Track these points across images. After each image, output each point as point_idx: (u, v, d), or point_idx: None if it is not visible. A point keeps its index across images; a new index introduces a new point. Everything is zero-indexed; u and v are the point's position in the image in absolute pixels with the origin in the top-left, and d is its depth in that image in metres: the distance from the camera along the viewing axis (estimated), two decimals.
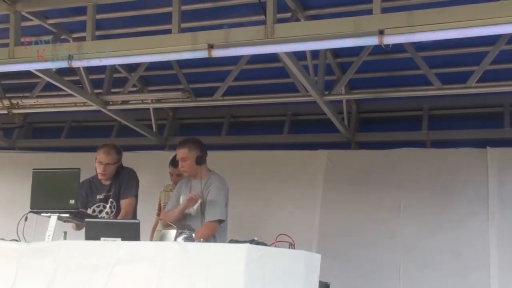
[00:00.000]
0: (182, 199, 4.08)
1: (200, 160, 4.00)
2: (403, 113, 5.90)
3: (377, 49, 4.36)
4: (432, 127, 5.69)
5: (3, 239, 3.58)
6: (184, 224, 3.97)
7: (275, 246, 3.30)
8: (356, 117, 5.99)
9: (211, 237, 3.83)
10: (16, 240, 3.53)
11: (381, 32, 3.47)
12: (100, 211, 4.35)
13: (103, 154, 4.27)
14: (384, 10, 3.58)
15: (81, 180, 3.88)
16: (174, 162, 4.77)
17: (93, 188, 4.38)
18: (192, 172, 4.05)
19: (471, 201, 5.14)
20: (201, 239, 3.34)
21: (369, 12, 3.60)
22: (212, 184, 3.98)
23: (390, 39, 3.51)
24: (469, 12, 3.34)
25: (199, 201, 3.94)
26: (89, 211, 4.30)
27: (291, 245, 3.35)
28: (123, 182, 4.33)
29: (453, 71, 5.08)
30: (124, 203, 4.28)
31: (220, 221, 3.91)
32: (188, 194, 3.98)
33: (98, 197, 4.35)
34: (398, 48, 4.53)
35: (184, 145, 4.05)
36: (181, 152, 4.04)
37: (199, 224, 3.93)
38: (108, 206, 4.32)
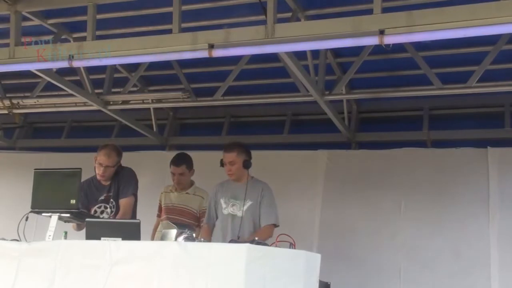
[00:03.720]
0: (223, 202, 4.14)
1: (247, 164, 4.10)
2: (404, 113, 5.89)
3: (378, 49, 4.37)
4: (432, 127, 5.69)
5: (3, 239, 3.59)
6: (185, 224, 3.99)
7: (276, 246, 3.30)
8: (357, 117, 5.99)
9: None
10: (17, 240, 3.53)
11: (381, 32, 3.47)
12: (102, 212, 4.35)
13: (104, 156, 4.26)
14: (385, 10, 3.58)
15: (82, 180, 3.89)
16: (176, 161, 4.77)
17: (93, 189, 4.37)
18: (239, 176, 4.13)
19: (471, 201, 5.13)
20: (256, 239, 3.40)
21: (370, 12, 3.60)
22: (265, 189, 4.14)
23: (390, 39, 3.51)
24: (469, 12, 3.34)
25: (249, 203, 4.04)
26: (91, 211, 4.31)
27: (292, 245, 3.36)
28: (122, 182, 4.33)
29: (453, 71, 5.08)
30: (123, 202, 4.28)
31: (275, 226, 4.08)
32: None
33: (99, 198, 4.35)
34: (399, 48, 4.53)
35: (233, 149, 4.11)
36: (229, 156, 4.09)
37: (245, 225, 4.01)
38: (109, 206, 4.32)
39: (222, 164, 4.14)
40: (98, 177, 4.32)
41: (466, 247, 5.03)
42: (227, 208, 4.12)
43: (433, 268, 5.05)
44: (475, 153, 5.26)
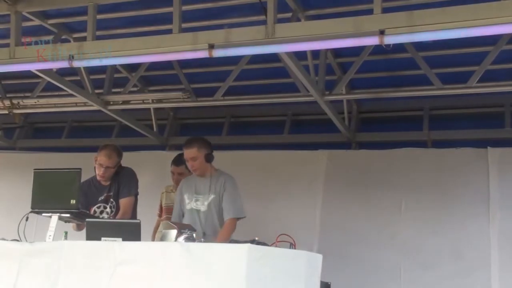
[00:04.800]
0: (186, 197, 4.12)
1: (209, 158, 4.07)
2: (404, 113, 5.89)
3: (378, 49, 4.36)
4: (432, 127, 5.69)
5: (4, 239, 3.58)
6: (186, 224, 3.98)
7: (276, 246, 3.30)
8: (357, 117, 5.99)
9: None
10: (17, 240, 3.53)
11: (381, 32, 3.47)
12: (101, 212, 4.35)
13: (104, 156, 4.25)
14: (385, 10, 3.58)
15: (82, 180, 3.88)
16: (176, 161, 4.77)
17: (93, 189, 4.37)
18: (202, 170, 4.09)
19: (472, 202, 5.13)
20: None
21: (370, 12, 3.60)
22: (227, 181, 4.07)
23: (390, 39, 3.51)
24: (469, 12, 3.34)
25: (211, 197, 4.00)
26: (91, 211, 4.31)
27: (292, 245, 3.36)
28: (122, 182, 4.33)
29: (453, 71, 5.08)
30: (123, 202, 4.29)
31: (239, 218, 4.04)
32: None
33: (99, 198, 4.35)
34: (399, 48, 4.53)
35: (192, 144, 4.09)
36: (190, 152, 4.07)
37: (211, 220, 3.99)
38: (108, 206, 4.32)
39: (184, 161, 4.12)
40: (98, 177, 4.32)
41: (467, 247, 5.03)
42: (190, 203, 4.10)
43: (433, 268, 5.04)
44: (475, 153, 5.26)
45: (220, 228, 4.00)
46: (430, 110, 5.77)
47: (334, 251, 5.08)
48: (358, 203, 5.41)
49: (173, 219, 4.17)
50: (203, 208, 4.04)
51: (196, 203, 4.08)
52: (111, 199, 4.34)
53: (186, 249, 2.97)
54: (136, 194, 4.39)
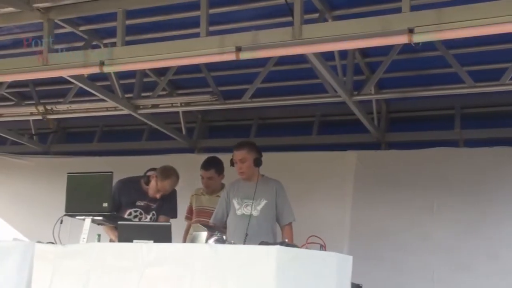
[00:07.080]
0: (236, 202, 4.13)
1: (258, 162, 4.11)
2: (434, 112, 5.80)
3: (407, 48, 4.31)
4: (464, 126, 5.58)
5: (40, 242, 3.67)
6: (217, 226, 4.01)
7: (306, 248, 3.29)
8: (386, 117, 5.92)
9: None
10: (52, 243, 3.61)
11: (410, 31, 3.42)
12: (135, 217, 4.42)
13: (168, 186, 4.38)
14: (413, 8, 3.54)
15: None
16: (205, 165, 4.81)
17: (132, 192, 4.45)
18: (249, 174, 4.13)
19: (507, 201, 5.02)
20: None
21: (398, 10, 3.56)
22: (279, 187, 4.16)
23: (419, 38, 3.46)
24: (500, 8, 3.26)
25: (264, 202, 4.03)
26: (126, 213, 4.38)
27: (322, 247, 3.34)
28: (168, 201, 4.47)
29: (485, 68, 4.97)
30: (163, 219, 4.41)
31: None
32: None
33: (138, 203, 4.43)
34: (428, 46, 4.45)
35: (243, 147, 4.15)
36: (239, 154, 4.11)
37: (263, 225, 4.02)
38: (149, 217, 4.43)
39: (232, 163, 4.14)
40: (150, 194, 4.42)
41: (502, 248, 4.93)
42: (240, 208, 4.10)
43: (467, 269, 4.95)
44: (510, 152, 5.14)
45: (268, 233, 4.01)
46: (461, 108, 5.66)
47: (364, 252, 5.04)
48: (389, 203, 5.35)
49: (214, 221, 4.20)
50: (255, 213, 4.05)
51: (246, 208, 4.09)
52: (153, 212, 4.44)
53: (215, 251, 2.98)
54: (173, 217, 4.48)
